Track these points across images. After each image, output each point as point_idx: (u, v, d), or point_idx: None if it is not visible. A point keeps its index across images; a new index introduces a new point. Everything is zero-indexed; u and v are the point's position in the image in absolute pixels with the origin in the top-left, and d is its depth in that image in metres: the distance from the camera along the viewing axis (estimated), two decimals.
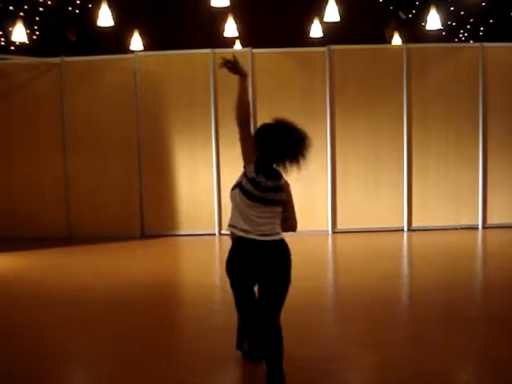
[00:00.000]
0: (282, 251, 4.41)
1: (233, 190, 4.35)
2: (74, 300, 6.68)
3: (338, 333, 5.48)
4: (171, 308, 6.51)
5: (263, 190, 4.29)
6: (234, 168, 10.43)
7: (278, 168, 4.35)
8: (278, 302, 4.37)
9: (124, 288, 7.18)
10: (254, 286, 4.48)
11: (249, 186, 4.28)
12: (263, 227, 4.32)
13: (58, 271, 8.28)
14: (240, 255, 4.39)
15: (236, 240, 4.41)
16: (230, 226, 4.41)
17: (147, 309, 6.31)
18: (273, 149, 4.29)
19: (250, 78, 10.43)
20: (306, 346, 5.03)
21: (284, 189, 4.41)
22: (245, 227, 4.31)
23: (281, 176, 4.40)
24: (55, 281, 7.65)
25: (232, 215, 4.40)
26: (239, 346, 4.80)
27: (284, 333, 4.94)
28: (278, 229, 4.40)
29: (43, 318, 6.03)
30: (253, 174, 4.31)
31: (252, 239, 4.30)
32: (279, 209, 4.39)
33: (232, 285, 4.48)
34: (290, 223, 4.51)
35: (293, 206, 4.51)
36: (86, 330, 5.67)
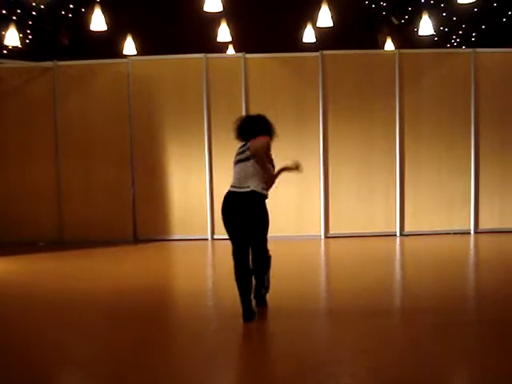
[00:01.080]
0: (251, 200, 5.73)
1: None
2: (68, 304, 6.66)
3: (331, 337, 5.49)
4: (164, 312, 6.50)
5: (238, 153, 5.86)
6: (227, 172, 10.45)
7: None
8: (260, 235, 5.82)
9: (116, 292, 7.16)
10: (241, 229, 5.76)
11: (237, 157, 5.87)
12: (240, 182, 5.75)
13: (50, 275, 8.25)
14: (224, 203, 5.82)
15: (227, 193, 5.82)
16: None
17: (140, 313, 6.30)
18: (243, 131, 5.94)
19: (242, 83, 10.47)
20: (298, 351, 5.03)
21: (248, 147, 5.71)
22: (232, 184, 5.83)
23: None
24: (48, 285, 7.62)
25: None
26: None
27: (277, 338, 4.95)
28: (252, 183, 5.71)
29: (38, 322, 6.01)
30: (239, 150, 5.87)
31: (232, 191, 5.78)
32: (249, 165, 5.72)
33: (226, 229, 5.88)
34: (267, 177, 5.82)
35: (262, 160, 5.71)
36: (81, 333, 5.65)
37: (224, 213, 5.83)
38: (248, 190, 5.72)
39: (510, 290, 6.92)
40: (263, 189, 5.81)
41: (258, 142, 5.66)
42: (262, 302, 6.13)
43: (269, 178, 5.86)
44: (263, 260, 5.95)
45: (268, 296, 6.23)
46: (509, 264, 8.43)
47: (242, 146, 5.85)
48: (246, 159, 5.74)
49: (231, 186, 5.84)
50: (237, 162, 5.86)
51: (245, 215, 5.73)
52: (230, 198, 5.80)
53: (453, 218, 10.56)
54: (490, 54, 10.59)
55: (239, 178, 5.78)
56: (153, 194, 10.65)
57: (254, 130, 5.85)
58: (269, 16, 16.06)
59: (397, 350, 5.06)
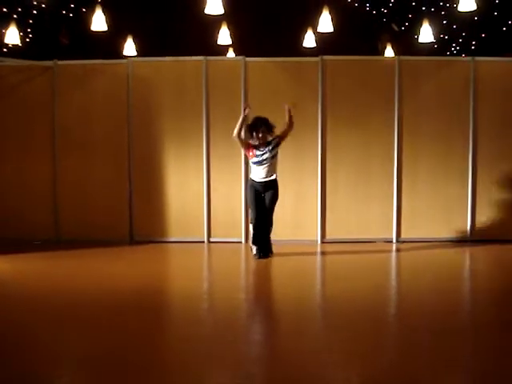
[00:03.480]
0: (275, 183, 8.90)
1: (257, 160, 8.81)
2: (62, 304, 6.64)
3: (326, 342, 5.48)
4: (157, 314, 6.49)
5: (264, 153, 8.80)
6: (225, 175, 10.52)
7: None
8: (273, 205, 8.93)
9: (110, 293, 7.14)
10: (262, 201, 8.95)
11: (261, 155, 8.80)
12: (267, 174, 8.84)
13: (44, 274, 8.23)
14: (254, 189, 8.89)
15: (252, 181, 8.94)
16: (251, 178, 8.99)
17: (133, 315, 6.29)
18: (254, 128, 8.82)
19: (242, 86, 10.48)
20: (292, 355, 5.03)
21: (276, 147, 8.90)
22: (259, 175, 8.86)
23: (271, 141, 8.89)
24: (42, 284, 7.60)
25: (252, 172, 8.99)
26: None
27: (271, 341, 4.93)
28: (274, 172, 8.87)
29: (32, 322, 5.99)
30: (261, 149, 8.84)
31: (260, 181, 8.86)
32: (275, 160, 8.85)
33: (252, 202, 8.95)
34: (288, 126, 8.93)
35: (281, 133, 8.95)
36: (73, 333, 5.64)
37: (256, 192, 8.97)
38: (273, 178, 8.94)
39: (503, 298, 6.93)
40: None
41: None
42: (270, 251, 9.11)
43: None
44: (271, 222, 9.03)
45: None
46: (504, 272, 8.44)
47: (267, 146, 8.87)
48: (274, 158, 8.92)
49: (259, 178, 8.89)
50: (264, 161, 8.86)
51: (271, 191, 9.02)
52: (261, 184, 8.94)
53: (449, 225, 10.56)
54: (489, 62, 10.60)
55: (267, 171, 8.89)
56: (150, 196, 10.64)
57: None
58: (269, 20, 16.09)
59: (391, 356, 5.06)
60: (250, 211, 9.23)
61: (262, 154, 8.78)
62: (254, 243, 9.06)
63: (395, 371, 4.69)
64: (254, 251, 9.04)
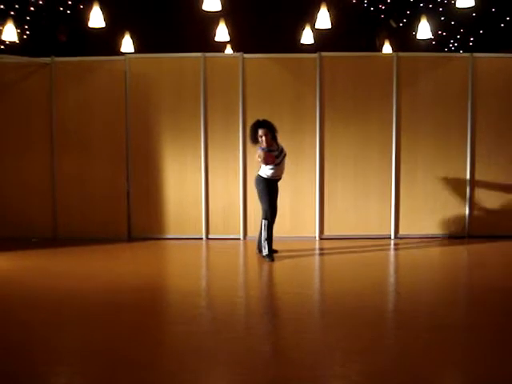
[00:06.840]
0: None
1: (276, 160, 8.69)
2: (59, 302, 6.64)
3: (323, 339, 5.48)
4: (156, 312, 6.49)
5: (280, 154, 8.75)
6: (223, 172, 10.51)
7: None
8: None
9: (108, 291, 7.14)
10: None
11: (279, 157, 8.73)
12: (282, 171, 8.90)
13: (41, 272, 8.22)
14: (273, 186, 8.82)
15: (271, 179, 8.76)
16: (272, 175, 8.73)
17: (131, 312, 6.28)
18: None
19: (240, 83, 10.46)
20: (290, 353, 5.03)
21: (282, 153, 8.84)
22: (277, 174, 8.78)
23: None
24: (39, 282, 7.59)
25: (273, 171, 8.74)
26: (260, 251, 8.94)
27: (268, 339, 4.92)
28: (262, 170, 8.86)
29: (29, 319, 5.99)
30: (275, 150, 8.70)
31: (277, 179, 8.85)
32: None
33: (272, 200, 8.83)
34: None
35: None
36: (73, 331, 5.64)
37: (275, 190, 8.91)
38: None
39: (499, 295, 6.94)
40: (265, 174, 8.76)
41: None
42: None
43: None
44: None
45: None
46: (499, 269, 8.45)
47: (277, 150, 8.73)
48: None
49: (278, 176, 8.84)
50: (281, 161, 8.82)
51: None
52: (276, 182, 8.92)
53: (447, 222, 10.56)
54: (487, 58, 10.59)
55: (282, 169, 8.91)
56: (148, 193, 10.63)
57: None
58: (268, 17, 16.07)
59: (388, 353, 5.05)
60: (266, 210, 8.75)
61: (278, 156, 8.70)
62: (269, 244, 8.77)
63: (395, 368, 4.69)
64: (267, 253, 8.74)
